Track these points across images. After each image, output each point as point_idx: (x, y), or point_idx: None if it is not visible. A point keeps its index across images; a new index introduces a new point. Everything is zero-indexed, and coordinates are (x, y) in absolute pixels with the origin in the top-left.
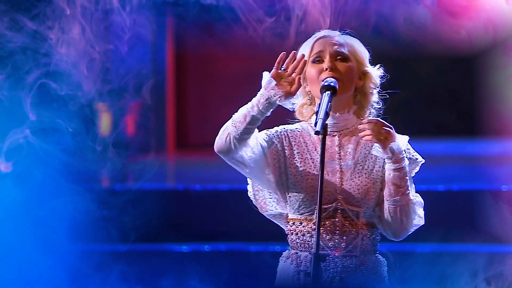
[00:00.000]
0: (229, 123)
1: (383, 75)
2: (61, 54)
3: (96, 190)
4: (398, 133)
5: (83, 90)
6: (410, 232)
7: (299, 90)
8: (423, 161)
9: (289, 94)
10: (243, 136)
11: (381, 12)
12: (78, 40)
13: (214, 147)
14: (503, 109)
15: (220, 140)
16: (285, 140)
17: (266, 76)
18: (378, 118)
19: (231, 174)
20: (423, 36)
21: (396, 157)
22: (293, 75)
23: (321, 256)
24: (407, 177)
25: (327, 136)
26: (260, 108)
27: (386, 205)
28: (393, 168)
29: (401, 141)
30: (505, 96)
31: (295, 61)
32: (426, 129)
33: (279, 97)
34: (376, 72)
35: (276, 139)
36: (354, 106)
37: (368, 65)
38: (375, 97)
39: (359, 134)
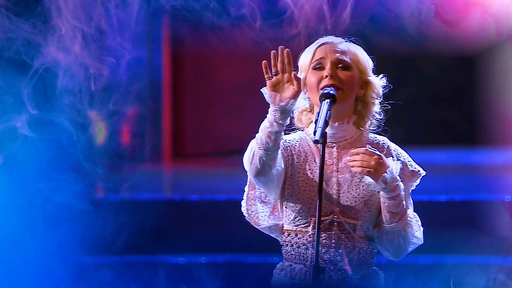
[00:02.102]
0: (255, 148)
1: (386, 85)
2: (54, 57)
3: (91, 200)
4: (398, 141)
5: (76, 97)
6: (409, 251)
7: (300, 95)
8: (424, 173)
9: (297, 94)
10: (274, 153)
11: (385, 9)
12: (72, 47)
13: (251, 174)
14: (507, 113)
15: (254, 166)
16: (288, 150)
17: (266, 91)
18: (367, 148)
19: (229, 184)
20: (427, 34)
21: (390, 186)
22: (286, 74)
23: (321, 268)
24: (403, 203)
25: (326, 147)
26: (280, 122)
27: (383, 230)
28: (388, 197)
29: (394, 167)
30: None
31: (279, 59)
32: (430, 126)
33: (290, 104)
34: (378, 82)
35: (283, 150)
36: (354, 116)
37: (371, 74)
38: (376, 107)
39: (349, 163)
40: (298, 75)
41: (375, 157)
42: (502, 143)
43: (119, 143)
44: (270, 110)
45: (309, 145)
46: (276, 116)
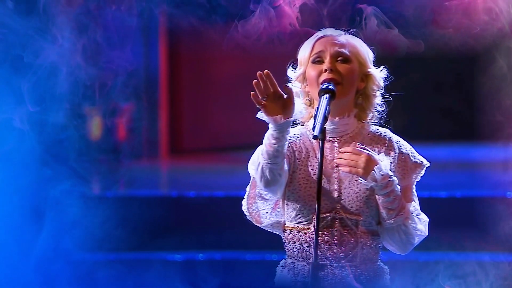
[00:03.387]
0: (263, 162)
1: (387, 77)
2: (50, 53)
3: (86, 196)
4: (399, 131)
5: (72, 92)
6: (415, 245)
7: (299, 89)
8: (428, 164)
9: (291, 106)
10: (282, 162)
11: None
12: (69, 44)
13: (263, 186)
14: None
15: (264, 179)
16: (289, 147)
17: (263, 115)
18: (355, 147)
19: (227, 181)
20: (429, 32)
21: (381, 183)
22: (274, 92)
23: (320, 266)
24: (399, 198)
25: (326, 143)
26: (283, 136)
27: (383, 226)
28: (382, 194)
29: (384, 163)
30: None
31: (263, 85)
32: (430, 120)
33: (288, 120)
34: (379, 74)
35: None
36: (355, 110)
37: (371, 66)
38: (378, 100)
39: (336, 162)
40: (297, 70)
41: (362, 155)
42: (505, 138)
43: (116, 139)
44: (270, 127)
45: (309, 140)
46: (278, 132)
